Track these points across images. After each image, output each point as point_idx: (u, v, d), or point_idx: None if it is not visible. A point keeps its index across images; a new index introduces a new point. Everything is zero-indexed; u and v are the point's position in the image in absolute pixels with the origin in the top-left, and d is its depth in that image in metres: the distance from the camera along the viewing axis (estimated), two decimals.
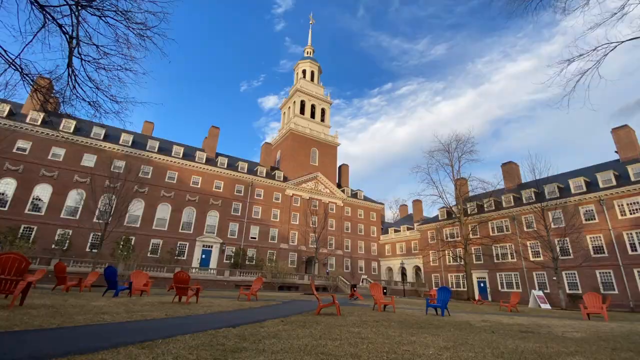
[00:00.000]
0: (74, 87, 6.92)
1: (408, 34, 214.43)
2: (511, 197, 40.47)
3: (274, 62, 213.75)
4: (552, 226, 32.37)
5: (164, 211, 38.87)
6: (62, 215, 33.05)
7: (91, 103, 7.18)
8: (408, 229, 56.08)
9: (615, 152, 36.11)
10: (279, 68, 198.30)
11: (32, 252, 27.66)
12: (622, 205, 30.74)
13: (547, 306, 27.95)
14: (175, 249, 37.73)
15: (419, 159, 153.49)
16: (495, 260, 39.60)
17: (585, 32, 7.26)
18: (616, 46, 7.21)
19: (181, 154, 42.39)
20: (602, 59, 7.40)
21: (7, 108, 33.05)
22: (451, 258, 43.09)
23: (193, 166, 42.25)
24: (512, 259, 38.17)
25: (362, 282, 47.92)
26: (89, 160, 35.82)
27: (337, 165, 60.93)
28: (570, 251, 32.87)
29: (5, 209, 30.60)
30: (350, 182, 63.86)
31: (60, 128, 35.01)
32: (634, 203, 30.08)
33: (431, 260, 47.93)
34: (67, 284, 14.56)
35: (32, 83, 6.71)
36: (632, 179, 30.81)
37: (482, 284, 40.35)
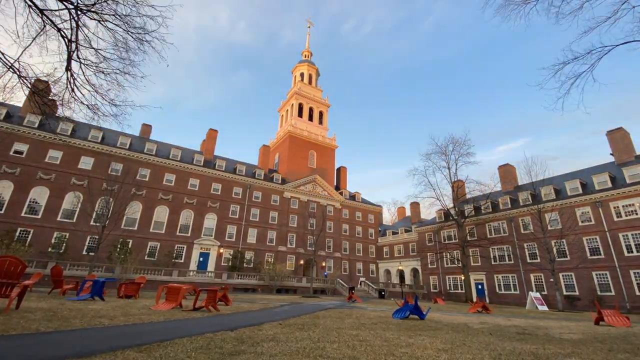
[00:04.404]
0: (73, 90, 6.93)
1: None
2: (508, 199, 40.64)
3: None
4: (549, 228, 32.52)
5: (161, 214, 38.73)
6: (58, 218, 32.86)
7: (90, 106, 7.19)
8: (406, 231, 56.13)
9: (611, 154, 36.40)
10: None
11: (29, 256, 27.46)
12: (618, 207, 30.94)
13: (545, 308, 28.04)
14: (172, 252, 37.55)
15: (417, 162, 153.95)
16: (493, 262, 39.68)
17: (580, 35, 7.34)
18: (610, 50, 7.30)
19: (179, 157, 42.33)
20: (596, 62, 7.49)
21: (4, 111, 32.91)
22: (449, 260, 43.13)
23: (191, 169, 42.16)
24: (509, 260, 38.27)
25: (360, 284, 47.85)
26: (86, 163, 35.67)
27: (335, 168, 61.03)
28: (567, 253, 33.02)
29: (2, 211, 30.40)
30: (348, 185, 63.97)
31: (58, 131, 34.87)
32: (630, 205, 30.29)
33: (429, 262, 47.98)
34: (64, 287, 14.45)
35: (30, 86, 6.72)
36: (628, 181, 31.05)
37: (479, 286, 40.41)
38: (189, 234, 39.72)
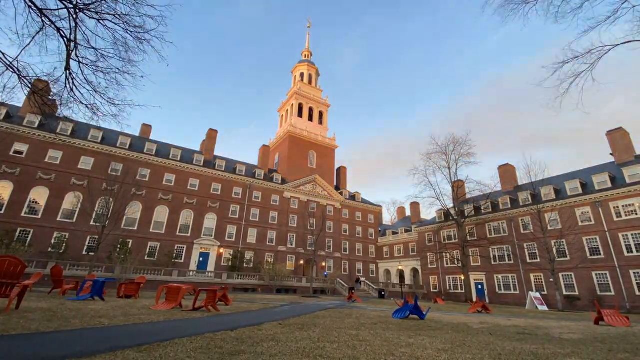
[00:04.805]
0: (72, 90, 6.92)
1: None
2: (508, 199, 40.63)
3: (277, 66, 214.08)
4: (549, 228, 32.51)
5: (161, 214, 38.72)
6: (58, 219, 32.85)
7: (89, 106, 7.18)
8: (406, 231, 56.13)
9: (611, 154, 36.40)
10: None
11: (29, 256, 27.46)
12: (618, 207, 30.94)
13: (545, 308, 28.06)
14: (172, 252, 37.54)
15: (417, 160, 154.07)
16: (493, 262, 39.67)
17: (579, 35, 7.33)
18: (610, 49, 7.30)
19: (179, 157, 42.32)
20: (596, 62, 7.49)
21: (4, 111, 32.91)
22: (449, 260, 43.13)
23: (191, 169, 42.15)
24: (509, 260, 38.27)
25: (360, 284, 47.83)
26: (86, 163, 35.66)
27: (335, 168, 61.02)
28: (567, 253, 33.01)
29: (2, 212, 30.39)
30: (348, 185, 63.95)
31: (58, 131, 34.85)
32: (629, 205, 30.28)
33: (429, 262, 47.97)
34: (64, 287, 14.45)
35: (29, 86, 6.71)
36: (627, 181, 31.04)
37: (479, 286, 40.40)
38: (189, 234, 39.71)
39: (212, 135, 49.03)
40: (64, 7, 6.00)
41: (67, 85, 6.89)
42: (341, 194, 56.90)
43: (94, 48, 6.74)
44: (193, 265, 38.61)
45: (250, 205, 45.32)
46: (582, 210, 33.36)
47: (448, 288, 44.64)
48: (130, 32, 6.62)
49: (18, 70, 6.35)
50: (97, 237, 28.06)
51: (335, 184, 59.54)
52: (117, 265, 29.79)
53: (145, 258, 35.60)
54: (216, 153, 49.92)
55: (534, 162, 62.05)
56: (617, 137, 35.51)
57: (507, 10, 7.65)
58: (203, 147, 49.02)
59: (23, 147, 32.83)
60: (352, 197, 59.25)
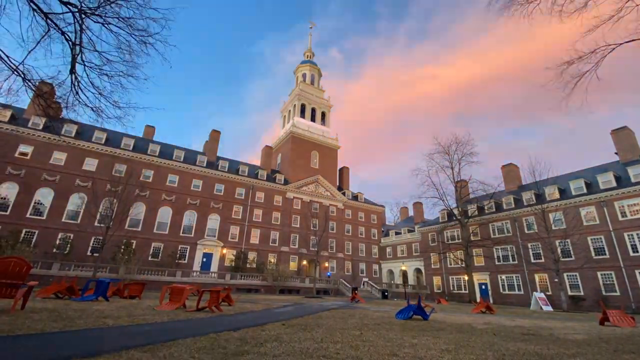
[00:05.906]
0: (77, 93, 6.99)
1: None
2: (512, 199, 40.42)
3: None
4: (553, 228, 32.29)
5: (165, 215, 38.88)
6: (63, 220, 33.09)
7: (94, 109, 7.24)
8: (409, 231, 55.96)
9: (615, 153, 36.12)
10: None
11: (34, 256, 27.66)
12: (623, 206, 30.69)
13: (549, 308, 27.83)
14: (176, 253, 37.68)
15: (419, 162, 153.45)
16: (497, 263, 39.48)
17: (583, 34, 7.29)
18: (614, 48, 7.26)
19: (182, 158, 42.49)
20: (600, 61, 7.45)
21: (9, 113, 33.22)
22: (452, 260, 42.96)
23: (194, 170, 42.31)
24: (513, 260, 38.06)
25: (363, 285, 47.76)
26: (90, 165, 35.91)
27: (338, 168, 60.99)
28: (572, 253, 32.77)
29: (7, 213, 30.66)
30: (350, 185, 63.90)
31: (62, 132, 35.09)
32: (635, 204, 30.02)
33: (432, 262, 47.80)
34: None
35: (34, 89, 6.78)
36: (633, 180, 30.79)
37: (483, 287, 40.21)
38: (192, 235, 39.86)
39: (215, 136, 49.18)
40: (68, 11, 6.06)
41: (73, 88, 6.96)
42: (344, 194, 56.86)
43: (98, 51, 6.81)
44: (196, 266, 38.74)
45: (253, 205, 45.41)
46: (586, 209, 33.13)
47: (451, 288, 44.46)
48: (134, 35, 6.68)
49: (23, 73, 6.41)
50: (101, 237, 28.26)
51: (337, 184, 59.47)
52: (121, 265, 29.95)
53: (149, 259, 35.76)
54: (219, 154, 50.05)
55: (538, 162, 61.90)
56: (622, 136, 35.24)
57: (511, 10, 7.63)
58: (206, 148, 49.17)
59: (28, 149, 33.13)
60: (355, 197, 59.19)
